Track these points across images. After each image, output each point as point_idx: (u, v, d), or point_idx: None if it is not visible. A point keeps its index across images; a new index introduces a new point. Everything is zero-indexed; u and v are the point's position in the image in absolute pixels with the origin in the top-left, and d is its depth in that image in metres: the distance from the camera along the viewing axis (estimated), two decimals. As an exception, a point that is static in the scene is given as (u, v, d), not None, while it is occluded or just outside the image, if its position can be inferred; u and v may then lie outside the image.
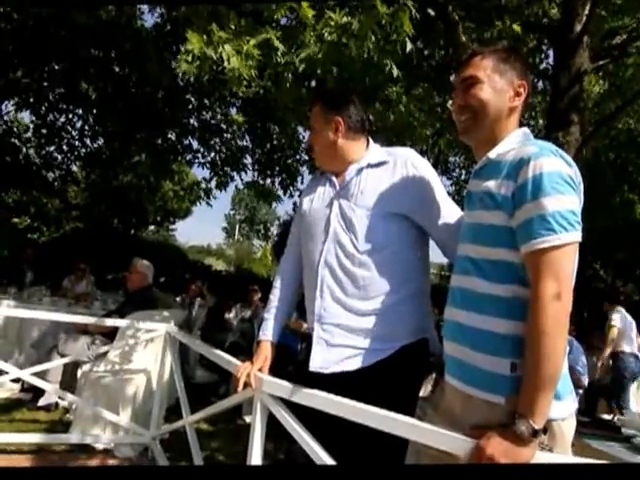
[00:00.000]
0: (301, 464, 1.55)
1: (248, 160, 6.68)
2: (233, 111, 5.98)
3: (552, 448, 1.06)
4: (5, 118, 7.84)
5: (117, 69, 5.96)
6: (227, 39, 2.49)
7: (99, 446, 3.13)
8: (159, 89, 5.90)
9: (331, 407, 1.33)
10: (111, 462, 3.04)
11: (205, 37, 2.48)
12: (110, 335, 3.59)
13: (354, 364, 1.47)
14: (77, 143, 7.37)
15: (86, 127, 7.10)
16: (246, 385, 1.59)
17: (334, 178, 1.66)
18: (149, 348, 3.43)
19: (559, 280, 1.01)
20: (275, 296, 1.75)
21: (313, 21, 2.64)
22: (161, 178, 9.93)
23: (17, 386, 4.03)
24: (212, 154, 6.77)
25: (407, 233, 1.55)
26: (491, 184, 1.16)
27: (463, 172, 8.16)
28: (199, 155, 7.06)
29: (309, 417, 1.46)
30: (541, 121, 4.58)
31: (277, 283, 1.77)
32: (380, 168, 1.59)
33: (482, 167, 1.24)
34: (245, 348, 5.03)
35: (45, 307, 4.39)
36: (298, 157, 6.45)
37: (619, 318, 5.37)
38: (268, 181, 6.67)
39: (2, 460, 2.78)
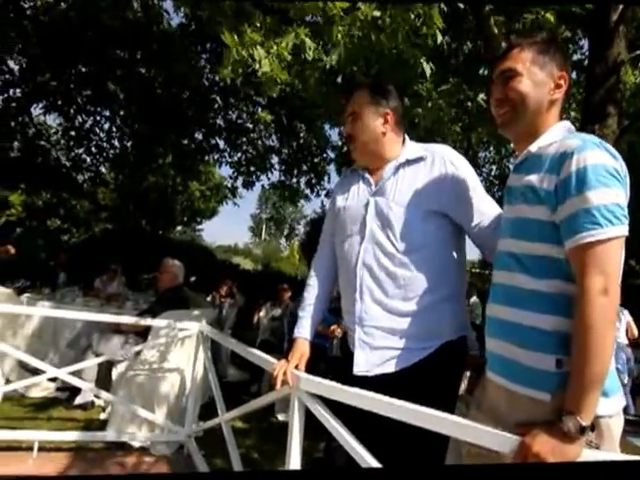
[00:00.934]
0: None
1: (275, 159, 6.74)
2: (259, 109, 6.00)
3: (599, 446, 1.02)
4: (35, 121, 8.05)
5: (143, 70, 6.06)
6: (258, 41, 2.50)
7: (135, 444, 3.20)
8: (185, 89, 5.98)
9: (373, 405, 1.30)
10: (147, 460, 3.10)
11: (237, 38, 2.49)
12: (143, 334, 3.66)
13: (397, 365, 1.47)
14: (105, 145, 7.55)
15: (113, 129, 7.28)
16: (283, 383, 1.60)
17: (368, 175, 1.64)
18: (182, 347, 3.49)
19: (606, 275, 0.98)
20: (309, 294, 1.75)
21: (340, 17, 2.62)
22: (188, 178, 10.09)
23: (53, 385, 4.13)
24: (238, 154, 6.83)
25: (445, 231, 1.53)
26: (533, 178, 1.13)
27: (494, 167, 7.96)
28: (225, 155, 7.14)
29: (345, 416, 1.45)
30: (573, 113, 4.44)
31: (311, 281, 1.77)
32: (417, 164, 1.57)
33: (523, 161, 1.21)
34: (276, 346, 5.06)
35: (79, 307, 4.51)
36: (325, 155, 6.43)
37: None
38: (294, 180, 6.70)
39: (42, 458, 2.85)
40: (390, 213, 1.51)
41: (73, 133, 7.53)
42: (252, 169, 6.59)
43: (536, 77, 1.20)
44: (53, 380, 3.98)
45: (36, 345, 4.02)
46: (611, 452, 1.03)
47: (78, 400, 3.81)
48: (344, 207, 1.66)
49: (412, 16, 2.45)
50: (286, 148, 6.59)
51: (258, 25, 2.80)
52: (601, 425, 1.03)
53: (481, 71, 3.44)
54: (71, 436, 3.05)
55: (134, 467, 3.01)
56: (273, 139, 6.50)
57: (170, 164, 7.99)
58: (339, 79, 3.18)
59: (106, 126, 7.41)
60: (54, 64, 5.89)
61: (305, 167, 6.63)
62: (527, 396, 1.09)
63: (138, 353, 3.50)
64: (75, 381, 3.16)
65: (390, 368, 1.46)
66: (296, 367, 1.63)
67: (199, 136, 7.16)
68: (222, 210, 18.40)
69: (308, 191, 6.67)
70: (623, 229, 1.01)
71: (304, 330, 1.70)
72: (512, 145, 1.37)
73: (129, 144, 7.60)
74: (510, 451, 1.01)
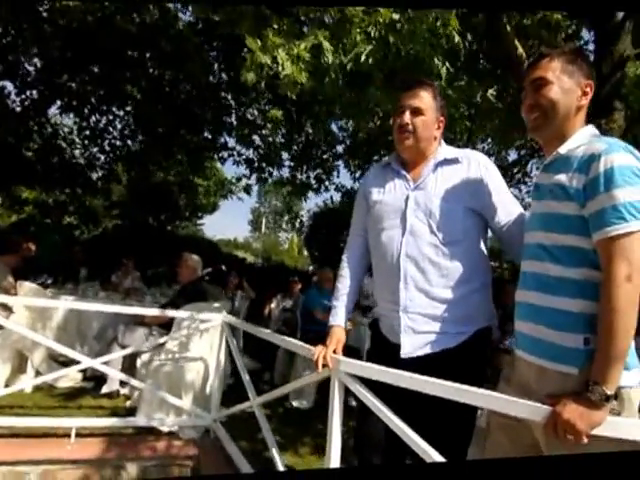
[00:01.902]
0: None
1: (285, 155, 6.84)
2: (268, 107, 6.08)
3: (620, 413, 1.16)
4: (51, 121, 8.17)
5: (155, 70, 6.16)
6: (280, 44, 2.61)
7: (164, 429, 3.36)
8: (196, 88, 6.08)
9: (411, 383, 1.43)
10: (177, 443, 3.26)
11: (259, 42, 2.60)
12: (166, 326, 3.81)
13: (437, 347, 1.60)
14: (118, 143, 7.68)
15: (126, 127, 7.39)
16: (324, 366, 1.73)
17: (403, 171, 1.75)
18: (205, 337, 3.65)
19: (631, 264, 1.12)
20: (343, 285, 1.87)
21: (360, 19, 2.73)
22: (195, 175, 10.21)
23: (80, 375, 4.31)
24: (250, 151, 6.93)
25: (479, 228, 1.68)
26: (562, 177, 1.26)
27: (492, 159, 8.14)
28: (234, 153, 7.25)
29: (382, 396, 1.57)
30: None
31: (343, 272, 1.89)
32: (455, 165, 1.70)
33: (552, 161, 1.34)
34: (288, 336, 5.22)
35: (103, 301, 4.66)
36: (334, 151, 6.52)
37: None
38: (304, 176, 6.81)
39: (79, 443, 3.02)
40: (433, 207, 1.63)
41: (88, 132, 7.68)
42: (262, 165, 6.70)
43: (565, 85, 1.32)
44: (82, 371, 4.14)
45: (63, 337, 4.18)
46: (630, 417, 1.17)
47: (104, 389, 3.98)
48: (380, 201, 1.76)
49: (430, 18, 2.56)
50: (295, 144, 6.70)
51: (276, 27, 2.91)
52: (622, 395, 1.17)
53: (487, 66, 3.55)
54: (104, 422, 3.23)
55: (165, 450, 3.18)
56: (282, 135, 6.59)
57: (179, 161, 8.10)
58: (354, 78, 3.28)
59: (119, 125, 7.55)
60: (70, 66, 6.00)
61: (314, 162, 6.75)
62: (557, 371, 1.23)
63: (162, 344, 3.65)
64: (108, 370, 3.33)
65: (432, 349, 1.60)
66: (334, 351, 1.75)
67: (208, 134, 7.27)
68: (222, 205, 18.59)
69: (317, 186, 6.80)
70: None
71: (339, 318, 1.83)
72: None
73: (140, 142, 7.72)
74: (542, 419, 1.15)
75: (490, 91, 3.46)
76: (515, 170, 7.69)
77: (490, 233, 1.79)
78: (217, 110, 6.74)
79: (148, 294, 5.72)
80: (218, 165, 11.55)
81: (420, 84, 1.75)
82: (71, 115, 7.54)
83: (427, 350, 1.61)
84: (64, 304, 3.93)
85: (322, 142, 6.52)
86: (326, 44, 2.68)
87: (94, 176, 8.78)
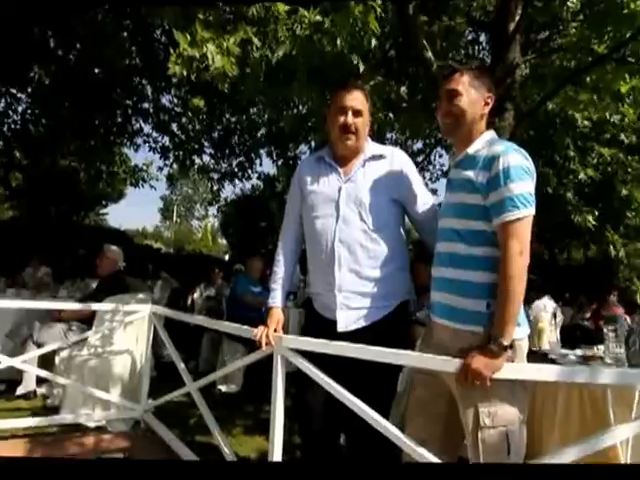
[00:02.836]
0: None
1: (206, 144, 6.71)
2: (188, 94, 5.92)
3: (514, 360, 1.48)
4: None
5: (64, 52, 5.68)
6: (209, 38, 2.66)
7: (91, 424, 3.27)
8: (110, 72, 5.73)
9: (346, 351, 1.67)
10: (106, 437, 3.20)
11: (189, 37, 2.63)
12: (87, 321, 3.67)
13: (368, 320, 1.84)
14: (19, 128, 6.95)
15: (28, 112, 6.73)
16: (267, 344, 1.89)
17: (337, 165, 1.94)
18: (130, 329, 3.60)
19: (522, 242, 1.44)
20: (279, 268, 2.04)
21: (286, 16, 2.87)
22: (103, 163, 9.65)
23: (-12, 377, 4.01)
24: (167, 138, 6.69)
25: (400, 216, 1.95)
26: (470, 173, 1.56)
27: (398, 147, 8.81)
28: (150, 140, 6.96)
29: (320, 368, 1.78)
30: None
31: (279, 256, 2.05)
32: (380, 161, 1.93)
33: (462, 160, 1.64)
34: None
35: (11, 298, 4.34)
36: (256, 139, 6.54)
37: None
38: (226, 164, 6.77)
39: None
40: (362, 198, 1.85)
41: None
42: (182, 153, 6.53)
43: (472, 97, 1.61)
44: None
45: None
46: (521, 363, 1.51)
47: (20, 390, 3.76)
48: (315, 191, 1.94)
49: (351, 21, 2.77)
50: (216, 132, 6.62)
51: (201, 17, 2.95)
52: (515, 345, 1.48)
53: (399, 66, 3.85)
54: (26, 423, 3.07)
55: (93, 445, 3.09)
56: (203, 123, 6.46)
57: (87, 148, 7.58)
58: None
59: (20, 108, 6.85)
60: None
61: (237, 150, 6.74)
62: (466, 330, 1.52)
63: (84, 339, 3.52)
64: (26, 368, 3.16)
65: (364, 322, 1.84)
66: (275, 330, 1.92)
67: (120, 120, 6.87)
68: (128, 193, 17.58)
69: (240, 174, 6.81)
70: (532, 210, 1.47)
71: (278, 300, 2.00)
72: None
73: (44, 127, 7.06)
74: (455, 370, 1.44)
75: (402, 88, 3.78)
76: (420, 158, 8.33)
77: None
78: (131, 95, 6.42)
79: (62, 288, 5.40)
80: (128, 152, 10.96)
81: (357, 86, 1.96)
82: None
83: (360, 324, 1.83)
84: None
85: (244, 130, 6.52)
86: (255, 40, 2.78)
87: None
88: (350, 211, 1.86)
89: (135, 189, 9.65)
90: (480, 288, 1.51)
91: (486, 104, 1.64)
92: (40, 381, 3.83)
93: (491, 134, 1.66)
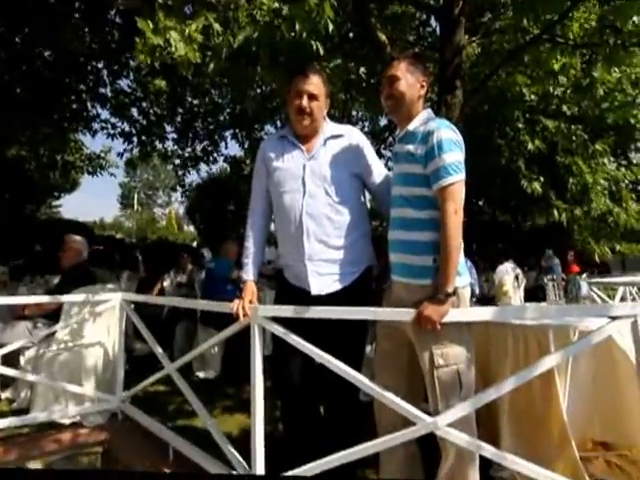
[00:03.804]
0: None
1: (168, 128, 6.64)
2: (148, 77, 5.78)
3: (459, 305, 1.75)
4: None
5: (10, 35, 5.43)
6: (172, 26, 2.75)
7: (66, 421, 3.19)
8: (63, 56, 5.54)
9: (319, 313, 1.87)
10: (83, 431, 3.13)
11: (151, 24, 2.72)
12: (52, 316, 3.51)
13: (339, 284, 2.03)
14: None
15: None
16: (244, 315, 2.01)
17: (299, 143, 2.11)
18: (100, 320, 3.49)
19: (456, 203, 1.70)
20: (250, 243, 2.18)
21: (246, 4, 2.99)
22: (56, 151, 9.36)
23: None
24: (127, 124, 6.55)
25: (360, 187, 2.17)
26: (411, 147, 1.82)
27: (366, 124, 9.03)
28: (108, 125, 6.81)
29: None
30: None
31: (250, 232, 2.19)
32: (340, 139, 2.13)
33: (404, 136, 1.89)
34: (184, 311, 5.10)
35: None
36: (220, 122, 6.52)
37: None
38: (190, 149, 6.73)
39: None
40: (326, 174, 2.04)
41: None
42: (144, 139, 6.44)
43: (409, 81, 1.87)
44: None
45: None
46: (463, 307, 1.77)
47: (-18, 395, 3.57)
48: (280, 168, 2.10)
49: (307, 7, 2.92)
50: (178, 117, 6.56)
51: (161, 1, 3.02)
52: (458, 292, 1.75)
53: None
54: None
55: (70, 441, 3.02)
56: (164, 107, 6.36)
57: (39, 136, 7.31)
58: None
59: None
60: None
61: (201, 134, 6.72)
62: (418, 284, 1.77)
63: (52, 334, 3.39)
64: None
65: (336, 287, 2.03)
66: (250, 302, 2.06)
67: (75, 105, 6.66)
68: (83, 182, 16.89)
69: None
70: (463, 175, 1.74)
71: (250, 273, 2.16)
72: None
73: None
74: (411, 319, 1.70)
75: (362, 69, 3.97)
76: (386, 134, 8.61)
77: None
78: (85, 79, 6.24)
79: (21, 286, 5.14)
80: (84, 139, 10.62)
81: (314, 72, 2.11)
82: None
83: (331, 289, 2.02)
84: None
85: (207, 113, 6.50)
86: (216, 25, 2.89)
87: None
88: (315, 186, 2.04)
89: (91, 178, 9.31)
90: (427, 246, 1.76)
91: (422, 87, 1.90)
92: (3, 385, 3.66)
93: (428, 112, 1.91)
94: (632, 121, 6.66)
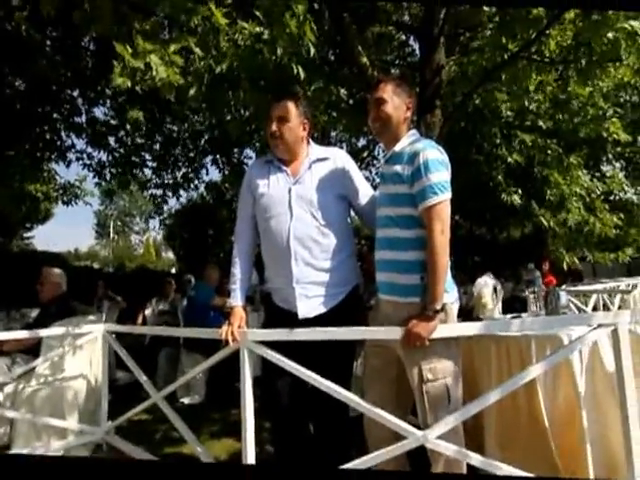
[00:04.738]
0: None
1: (147, 156, 6.48)
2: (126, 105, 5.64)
3: (446, 321, 1.77)
4: None
5: None
6: (151, 49, 2.69)
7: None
8: (34, 84, 5.38)
9: (307, 335, 1.89)
10: None
11: (130, 48, 2.65)
12: (32, 351, 3.41)
13: (326, 306, 2.03)
14: None
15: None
16: (233, 340, 2.02)
17: (285, 167, 2.12)
18: (82, 352, 3.43)
19: (442, 222, 1.72)
20: (237, 270, 2.17)
21: (227, 28, 2.95)
22: (27, 181, 9.09)
23: None
24: (103, 154, 6.37)
25: (346, 210, 2.18)
26: (398, 167, 1.84)
27: (344, 145, 9.09)
28: (84, 155, 6.61)
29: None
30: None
31: (237, 259, 2.18)
32: (325, 162, 2.13)
33: (391, 157, 1.91)
34: (167, 339, 4.99)
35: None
36: (200, 148, 6.41)
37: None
38: (170, 176, 6.60)
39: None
40: (312, 197, 2.05)
41: None
42: (121, 169, 6.26)
43: (395, 103, 1.90)
44: None
45: None
46: (451, 323, 1.79)
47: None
48: (266, 193, 2.10)
49: (287, 31, 2.91)
50: (157, 144, 6.43)
51: (138, 27, 2.96)
52: (446, 308, 1.76)
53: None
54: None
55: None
56: (142, 135, 6.23)
57: (11, 166, 7.07)
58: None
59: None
60: None
61: (181, 161, 6.60)
62: (406, 302, 1.79)
63: (32, 369, 3.27)
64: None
65: (323, 309, 2.03)
66: (239, 327, 2.06)
67: (48, 135, 6.46)
68: (56, 212, 16.52)
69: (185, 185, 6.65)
70: (449, 195, 1.77)
71: (238, 299, 2.14)
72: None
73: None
74: (400, 337, 1.71)
75: (342, 90, 3.98)
76: (365, 154, 8.68)
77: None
78: (59, 108, 6.07)
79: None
80: (58, 168, 10.32)
81: (287, 97, 2.16)
82: None
83: (319, 310, 2.02)
84: None
85: (187, 139, 6.40)
86: (197, 50, 2.84)
87: None
88: (302, 210, 2.04)
89: (64, 207, 9.04)
90: (414, 265, 1.78)
91: (408, 108, 1.93)
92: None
93: (413, 133, 1.94)
94: (604, 134, 6.88)
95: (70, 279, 4.05)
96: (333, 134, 8.41)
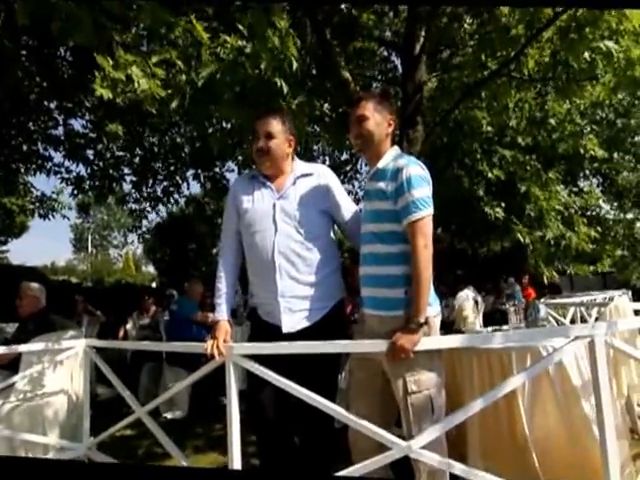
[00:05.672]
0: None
1: (126, 170, 6.36)
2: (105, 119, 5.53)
3: (430, 334, 1.78)
4: None
5: None
6: (133, 61, 2.66)
7: None
8: (16, 96, 5.26)
9: (293, 348, 1.89)
10: None
11: (110, 60, 2.62)
12: (10, 366, 3.32)
13: (310, 320, 2.03)
14: None
15: None
16: (219, 354, 1.99)
17: (269, 183, 2.13)
18: (62, 368, 3.37)
19: (425, 237, 1.75)
20: (222, 284, 2.16)
21: (209, 41, 2.94)
22: (4, 194, 8.89)
23: None
24: (82, 167, 6.23)
25: (329, 224, 2.19)
26: (381, 184, 1.86)
27: (327, 158, 9.11)
28: (62, 169, 6.45)
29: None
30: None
31: (222, 273, 2.17)
32: (309, 177, 2.15)
33: (375, 173, 1.93)
34: (149, 354, 4.97)
35: None
36: (181, 161, 6.33)
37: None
38: (150, 190, 6.49)
39: None
40: (296, 212, 2.05)
41: None
42: (100, 183, 6.13)
43: (377, 119, 1.91)
44: None
45: None
46: (435, 336, 1.81)
47: None
48: (250, 209, 2.10)
49: (270, 45, 2.91)
50: (137, 158, 6.33)
51: (118, 39, 2.93)
52: (429, 321, 1.77)
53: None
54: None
55: None
56: (122, 148, 6.12)
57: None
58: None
59: None
60: None
61: (161, 175, 6.50)
62: (390, 315, 1.80)
63: (10, 386, 3.19)
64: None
65: (308, 323, 2.03)
66: (224, 341, 2.04)
67: (25, 147, 6.31)
68: (32, 225, 16.19)
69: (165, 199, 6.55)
70: (431, 210, 1.80)
71: (223, 313, 2.13)
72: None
73: None
74: (385, 349, 1.72)
75: (325, 105, 3.99)
76: (347, 168, 8.71)
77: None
78: (35, 119, 5.93)
79: None
80: (33, 180, 10.09)
81: (272, 113, 2.18)
82: None
83: (303, 324, 2.02)
84: None
85: (167, 153, 6.32)
86: (179, 62, 2.82)
87: None
88: (286, 225, 2.04)
89: (40, 221, 8.81)
90: (398, 279, 1.80)
91: (389, 125, 1.95)
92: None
93: (396, 150, 1.96)
94: (581, 151, 7.06)
95: (48, 293, 3.99)
96: (315, 147, 8.43)
